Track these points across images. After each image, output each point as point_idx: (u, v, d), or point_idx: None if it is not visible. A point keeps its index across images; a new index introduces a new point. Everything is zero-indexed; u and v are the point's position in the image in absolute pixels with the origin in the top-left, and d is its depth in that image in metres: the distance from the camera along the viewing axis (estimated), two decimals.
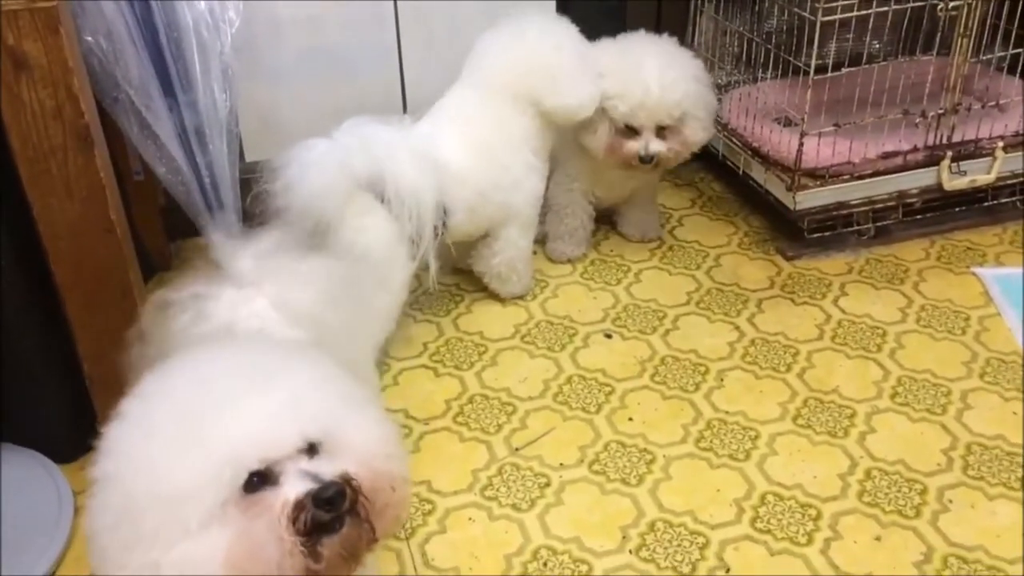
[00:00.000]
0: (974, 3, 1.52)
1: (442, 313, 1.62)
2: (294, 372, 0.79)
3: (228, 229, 1.61)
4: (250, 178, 1.67)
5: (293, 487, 0.71)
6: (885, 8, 1.51)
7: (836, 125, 1.62)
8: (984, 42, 1.66)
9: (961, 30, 1.54)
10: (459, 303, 1.64)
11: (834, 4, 1.47)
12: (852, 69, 1.69)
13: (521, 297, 1.64)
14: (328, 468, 0.72)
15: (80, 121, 1.03)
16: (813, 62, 1.54)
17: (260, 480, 0.71)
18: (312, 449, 0.74)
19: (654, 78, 1.53)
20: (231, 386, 0.75)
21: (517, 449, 1.34)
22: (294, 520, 0.70)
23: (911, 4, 1.54)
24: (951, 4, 1.50)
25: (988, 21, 1.64)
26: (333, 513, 0.71)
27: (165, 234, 1.78)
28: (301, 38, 1.74)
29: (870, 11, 1.51)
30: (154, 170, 1.53)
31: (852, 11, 1.48)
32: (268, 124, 1.80)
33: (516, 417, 1.39)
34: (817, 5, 1.47)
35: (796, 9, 1.56)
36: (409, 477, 0.80)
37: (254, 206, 1.35)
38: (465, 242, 1.60)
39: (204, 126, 1.54)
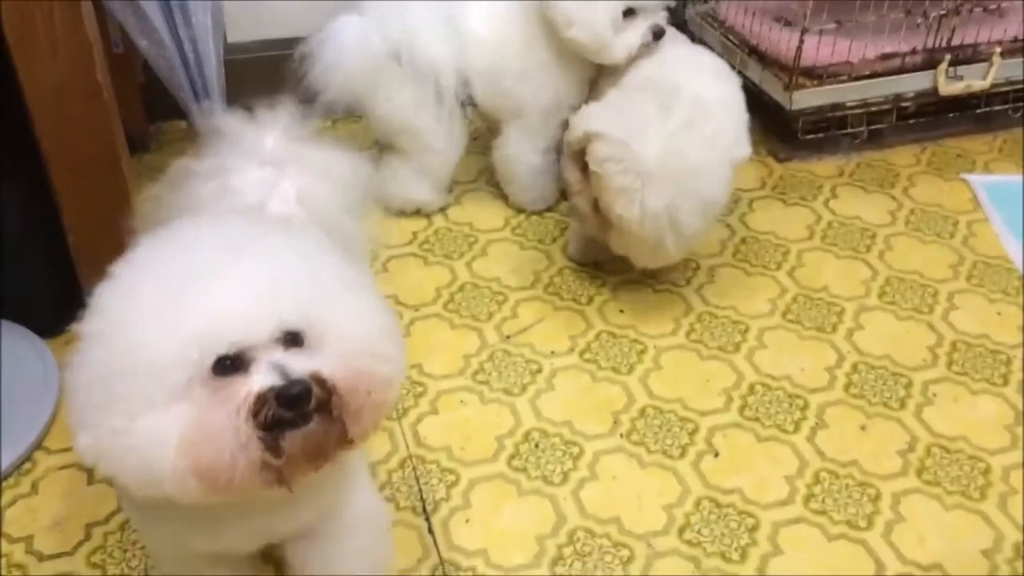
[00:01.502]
0: None
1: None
2: (283, 252, 0.75)
3: (212, 108, 1.57)
4: (234, 59, 1.63)
5: (259, 379, 0.68)
6: None
7: (837, 22, 1.59)
8: None
9: None
10: (449, 194, 1.61)
11: None
12: None
13: (523, 211, 1.58)
14: (300, 364, 0.69)
15: None
16: None
17: (232, 365, 0.69)
18: (295, 339, 0.71)
19: None
20: (214, 262, 0.72)
21: (508, 336, 1.33)
22: (255, 413, 0.67)
23: None
24: None
25: None
26: (295, 412, 0.69)
27: (145, 114, 1.72)
28: None
29: None
30: (135, 42, 1.47)
31: None
32: (253, 3, 1.73)
33: (507, 306, 1.38)
34: None
35: None
36: (396, 380, 0.76)
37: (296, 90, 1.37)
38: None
39: None
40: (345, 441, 0.72)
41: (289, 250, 0.76)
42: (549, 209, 1.57)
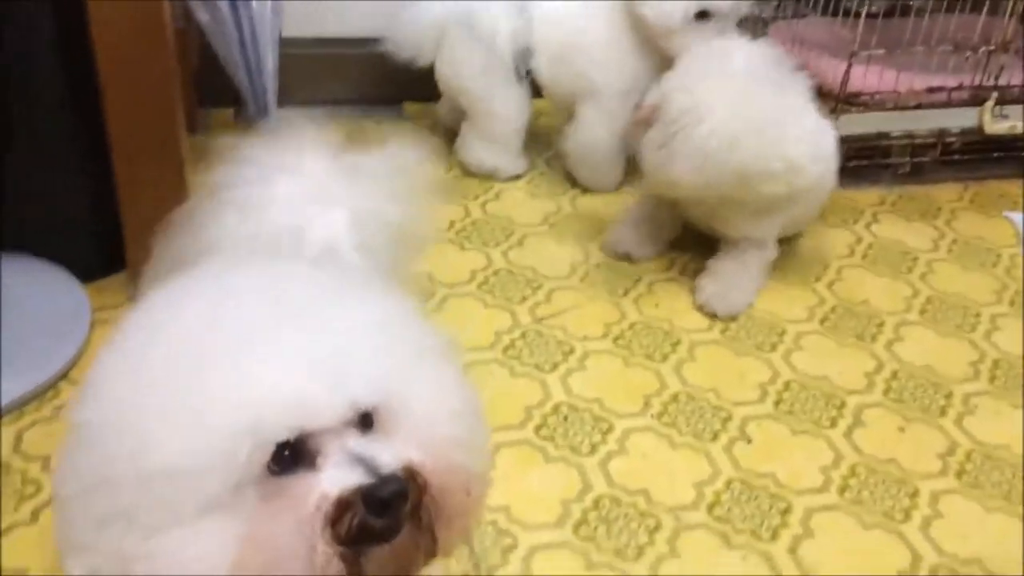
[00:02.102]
0: None
1: (471, 197, 1.60)
2: (348, 310, 0.59)
3: (263, 96, 1.60)
4: (287, 53, 1.66)
5: (336, 477, 0.51)
6: None
7: (886, 50, 1.61)
8: None
9: None
10: (488, 191, 1.62)
11: None
12: (900, 19, 1.68)
13: (603, 192, 1.61)
14: (387, 454, 0.53)
15: None
16: None
17: (291, 457, 0.52)
18: (365, 421, 0.55)
19: None
20: (261, 323, 0.55)
21: (541, 319, 1.32)
22: (334, 522, 0.51)
23: None
24: None
25: None
26: (389, 519, 0.52)
27: (196, 98, 1.75)
28: None
29: None
30: (196, 15, 1.50)
31: None
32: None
33: (541, 292, 1.37)
34: None
35: None
36: (488, 474, 0.61)
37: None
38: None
39: None
40: (431, 554, 0.56)
41: (354, 306, 0.60)
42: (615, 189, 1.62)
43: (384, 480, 0.51)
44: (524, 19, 1.51)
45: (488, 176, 1.62)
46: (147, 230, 0.91)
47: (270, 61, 1.59)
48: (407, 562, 0.54)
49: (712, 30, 1.44)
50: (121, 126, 1.16)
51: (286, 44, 1.70)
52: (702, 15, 1.43)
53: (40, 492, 0.99)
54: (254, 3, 1.53)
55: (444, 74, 1.56)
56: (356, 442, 0.53)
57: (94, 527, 0.51)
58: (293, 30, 1.78)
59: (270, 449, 0.51)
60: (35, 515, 0.97)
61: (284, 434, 0.51)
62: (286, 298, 0.58)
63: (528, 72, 1.54)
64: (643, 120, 1.29)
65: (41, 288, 1.23)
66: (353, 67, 1.82)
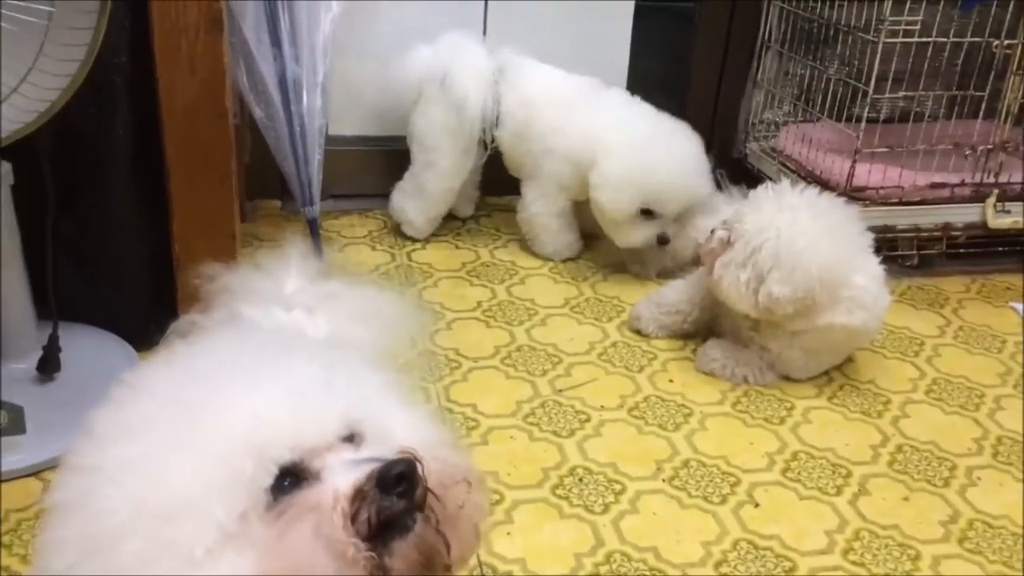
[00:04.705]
0: None
1: (497, 281, 1.69)
2: (326, 354, 0.64)
3: (309, 187, 1.72)
4: (330, 150, 1.80)
5: (345, 476, 0.53)
6: (944, 39, 1.62)
7: (889, 147, 1.71)
8: None
9: (1015, 68, 1.64)
10: (514, 276, 1.72)
11: (897, 28, 1.58)
12: (902, 124, 1.80)
13: (544, 259, 1.77)
14: (386, 450, 0.56)
15: (214, 5, 1.15)
16: (873, 81, 1.64)
17: (291, 482, 0.54)
18: (354, 441, 0.58)
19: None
20: (249, 363, 0.59)
21: (560, 390, 1.39)
22: (353, 517, 0.52)
23: (968, 39, 1.65)
24: (1006, 42, 1.61)
25: None
26: (408, 500, 0.53)
27: (245, 190, 1.89)
28: (400, 21, 1.86)
29: (930, 39, 1.61)
30: (252, 111, 1.65)
31: (914, 35, 1.59)
32: (354, 101, 1.92)
33: (561, 366, 1.45)
34: (881, 26, 1.58)
35: (860, 33, 1.68)
36: (485, 483, 0.62)
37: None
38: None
39: (302, 80, 1.66)
40: (446, 563, 0.57)
41: (330, 353, 0.65)
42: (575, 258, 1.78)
43: (391, 463, 0.53)
44: (496, 91, 1.67)
45: (396, 226, 1.81)
46: (197, 302, 1.02)
47: (316, 155, 1.72)
48: (431, 557, 0.55)
49: (654, 227, 1.64)
50: (181, 195, 1.28)
51: (330, 141, 1.84)
52: (647, 212, 1.63)
53: None
54: (304, 102, 1.67)
55: (417, 125, 1.73)
56: (351, 453, 0.56)
57: None
58: (335, 129, 1.93)
59: (273, 472, 0.53)
60: None
61: (286, 456, 0.53)
62: (272, 347, 0.62)
63: (493, 140, 1.71)
64: (713, 252, 1.40)
65: (96, 353, 1.33)
66: (389, 163, 1.95)
